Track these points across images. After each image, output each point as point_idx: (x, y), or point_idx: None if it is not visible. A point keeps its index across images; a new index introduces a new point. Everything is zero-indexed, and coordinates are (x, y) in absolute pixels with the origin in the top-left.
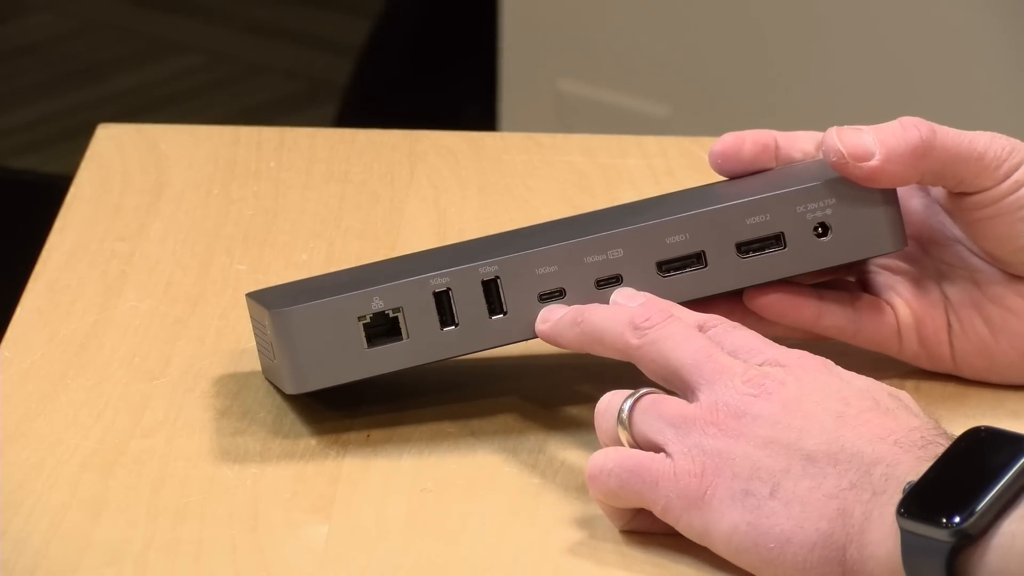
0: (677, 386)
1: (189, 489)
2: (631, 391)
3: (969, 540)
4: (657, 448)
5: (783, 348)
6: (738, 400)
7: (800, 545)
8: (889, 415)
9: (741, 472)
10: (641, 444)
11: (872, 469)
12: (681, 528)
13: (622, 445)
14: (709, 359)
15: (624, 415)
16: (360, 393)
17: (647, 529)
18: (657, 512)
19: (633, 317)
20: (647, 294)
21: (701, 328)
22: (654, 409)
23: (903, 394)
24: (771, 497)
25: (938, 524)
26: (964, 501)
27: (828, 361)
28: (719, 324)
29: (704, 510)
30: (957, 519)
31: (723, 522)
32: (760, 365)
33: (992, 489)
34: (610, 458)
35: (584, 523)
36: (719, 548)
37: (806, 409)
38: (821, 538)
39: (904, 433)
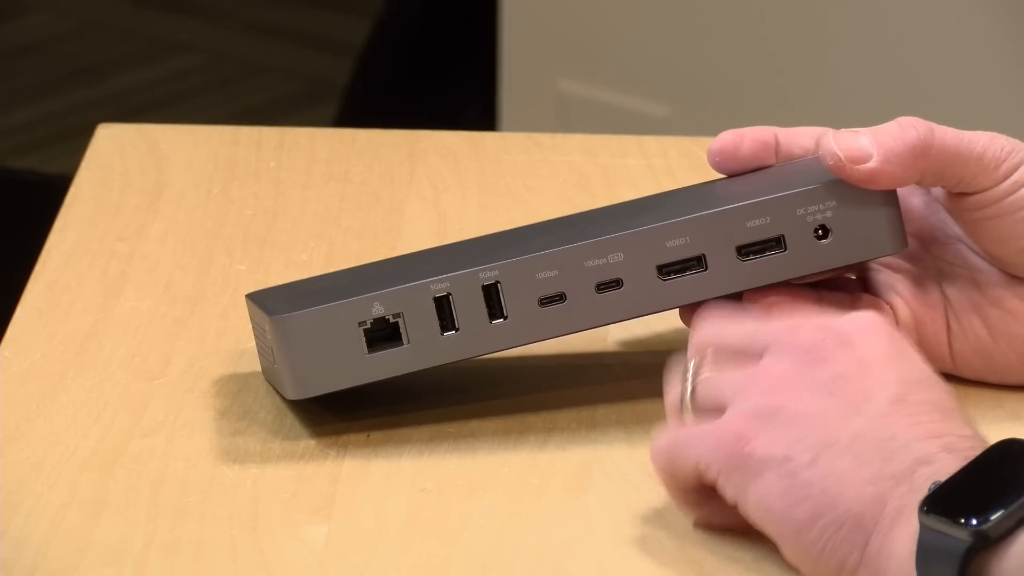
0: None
1: (189, 489)
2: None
3: (987, 542)
4: (717, 407)
5: (852, 313)
6: (795, 366)
7: (829, 523)
8: (946, 416)
9: (785, 436)
10: (702, 403)
11: (917, 468)
12: (720, 486)
13: (684, 404)
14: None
15: (689, 389)
16: (360, 394)
17: (720, 522)
18: (705, 475)
19: None
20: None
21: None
22: (717, 374)
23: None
24: (809, 467)
25: (957, 523)
26: (987, 505)
27: (896, 334)
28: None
29: (743, 469)
30: (975, 521)
31: (758, 483)
32: (825, 329)
33: (1018, 499)
34: (663, 436)
35: (584, 523)
36: (749, 509)
37: (863, 384)
38: (851, 520)
39: (955, 439)
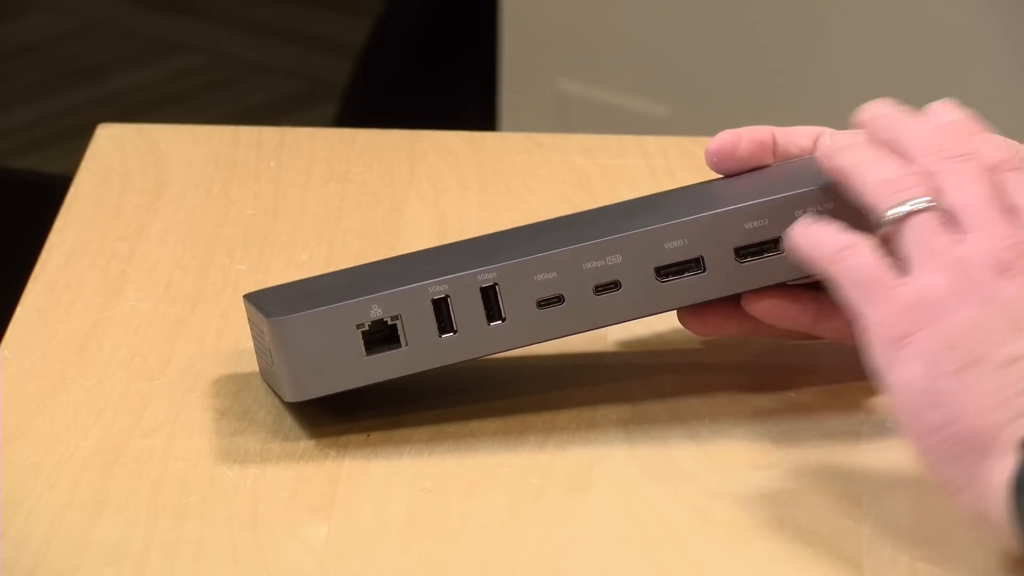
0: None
1: (189, 489)
2: (916, 192)
3: None
4: (904, 253)
5: None
6: (982, 272)
7: (950, 435)
8: None
9: (945, 337)
10: (896, 237)
11: None
12: (869, 350)
13: (885, 221)
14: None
15: (900, 213)
16: (360, 394)
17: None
18: (854, 322)
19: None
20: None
21: (995, 169)
22: (931, 230)
23: None
24: (954, 375)
25: None
26: None
27: None
28: (1018, 170)
29: (897, 351)
30: None
31: (904, 371)
32: None
33: None
34: (834, 234)
35: (584, 523)
36: (887, 384)
37: None
38: (969, 439)
39: None
